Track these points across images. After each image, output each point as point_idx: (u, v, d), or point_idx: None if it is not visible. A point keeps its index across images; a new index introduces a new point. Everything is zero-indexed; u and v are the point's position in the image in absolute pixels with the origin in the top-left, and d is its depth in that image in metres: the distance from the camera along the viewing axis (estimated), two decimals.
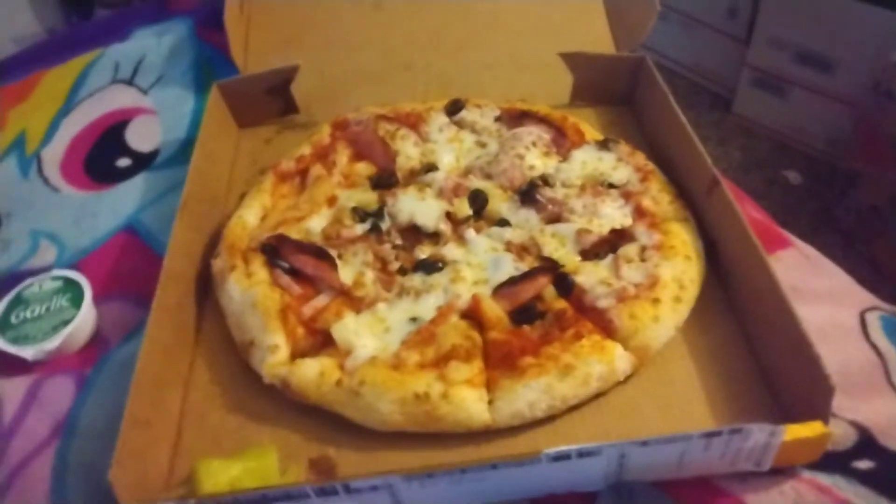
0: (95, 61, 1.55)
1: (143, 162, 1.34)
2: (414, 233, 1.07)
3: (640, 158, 1.13)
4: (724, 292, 0.99)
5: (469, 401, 0.84)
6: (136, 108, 1.45)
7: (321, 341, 0.94)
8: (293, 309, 0.94)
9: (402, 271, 1.01)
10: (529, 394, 0.85)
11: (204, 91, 1.27)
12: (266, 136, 1.33)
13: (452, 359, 0.88)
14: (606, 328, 0.91)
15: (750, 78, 2.91)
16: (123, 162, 1.34)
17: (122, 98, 1.47)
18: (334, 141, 1.21)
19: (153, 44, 1.56)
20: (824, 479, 0.79)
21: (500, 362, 0.88)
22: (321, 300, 0.97)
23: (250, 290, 0.96)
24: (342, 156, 1.18)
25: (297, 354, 0.93)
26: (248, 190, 1.15)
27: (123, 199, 1.26)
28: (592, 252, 1.01)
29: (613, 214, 1.05)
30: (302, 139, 1.24)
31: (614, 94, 1.34)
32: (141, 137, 1.38)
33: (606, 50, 1.37)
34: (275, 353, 0.91)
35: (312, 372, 0.88)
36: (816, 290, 1.02)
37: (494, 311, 0.93)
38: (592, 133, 1.22)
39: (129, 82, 1.50)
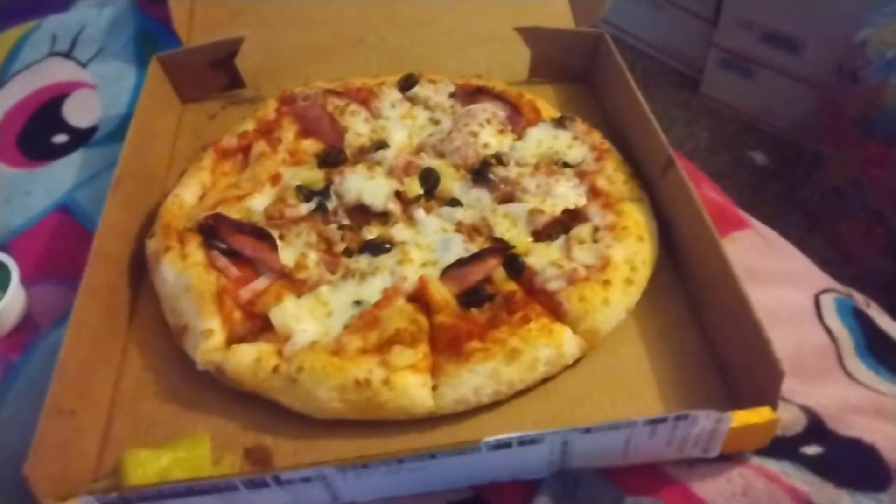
0: (31, 32, 1.47)
1: (80, 138, 1.27)
2: (362, 213, 1.03)
3: (597, 137, 1.10)
4: (677, 275, 0.97)
5: (412, 387, 0.81)
6: (74, 83, 1.38)
7: (259, 326, 0.90)
8: (230, 292, 0.90)
9: (348, 253, 0.97)
10: (475, 379, 0.81)
11: (146, 65, 1.21)
12: (210, 112, 1.27)
13: (396, 343, 0.84)
14: (556, 311, 0.88)
15: (718, 58, 2.89)
16: (60, 138, 1.28)
17: (60, 71, 1.40)
18: (280, 116, 1.15)
19: (93, 15, 1.48)
20: (773, 465, 0.77)
21: (447, 347, 0.85)
22: (260, 283, 0.92)
23: (185, 272, 0.92)
24: (288, 132, 1.13)
25: (233, 340, 0.88)
26: (188, 167, 1.10)
27: (58, 177, 1.19)
28: (545, 233, 0.98)
29: (567, 194, 1.02)
30: (248, 114, 1.18)
31: (573, 70, 1.30)
32: (79, 113, 1.32)
33: (566, 25, 1.32)
34: (209, 339, 0.86)
35: (248, 358, 0.84)
36: (772, 272, 1.00)
37: (442, 293, 0.90)
38: (549, 110, 1.18)
39: (68, 55, 1.42)
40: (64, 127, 1.29)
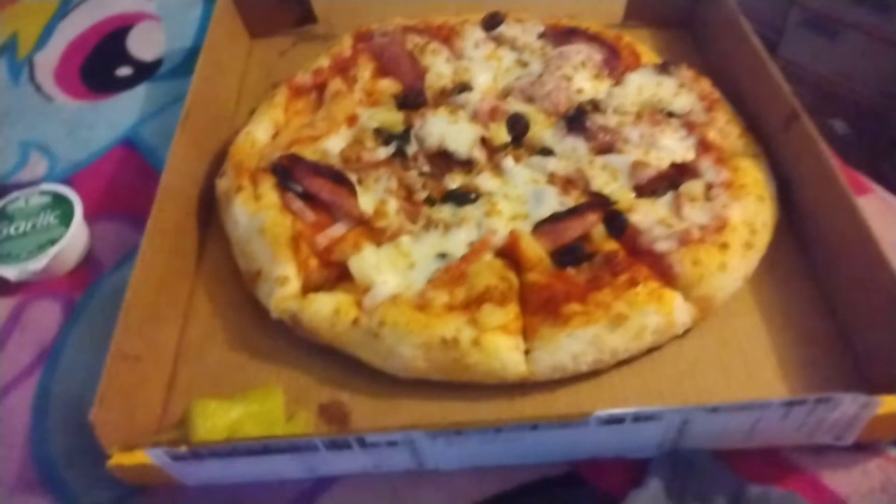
0: None
1: (145, 71, 1.21)
2: (444, 160, 0.95)
3: (706, 85, 0.99)
4: (798, 239, 0.87)
5: (503, 349, 0.74)
6: (138, 14, 1.32)
7: (336, 275, 0.83)
8: (306, 238, 0.83)
9: (430, 201, 0.89)
10: (574, 345, 0.73)
11: None
12: (281, 48, 1.20)
13: (485, 301, 0.76)
14: (665, 275, 0.79)
15: (799, 18, 2.69)
16: (124, 71, 1.22)
17: (124, 2, 1.34)
18: (356, 53, 1.07)
19: None
20: None
21: (540, 308, 0.77)
22: (338, 229, 0.85)
23: (258, 214, 0.85)
24: (364, 70, 1.05)
25: (309, 288, 0.82)
26: (259, 105, 1.02)
27: (123, 111, 1.14)
28: (649, 188, 0.88)
29: (674, 147, 0.92)
30: (320, 52, 1.10)
31: (672, 13, 1.18)
32: (143, 45, 1.26)
33: None
34: (284, 286, 0.80)
35: (326, 308, 0.78)
36: None
37: (535, 249, 0.81)
38: (650, 55, 1.07)
39: None
40: (128, 59, 1.23)
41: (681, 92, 0.98)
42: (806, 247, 0.85)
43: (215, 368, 0.80)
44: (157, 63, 1.22)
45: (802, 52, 2.75)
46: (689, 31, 1.18)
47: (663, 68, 1.01)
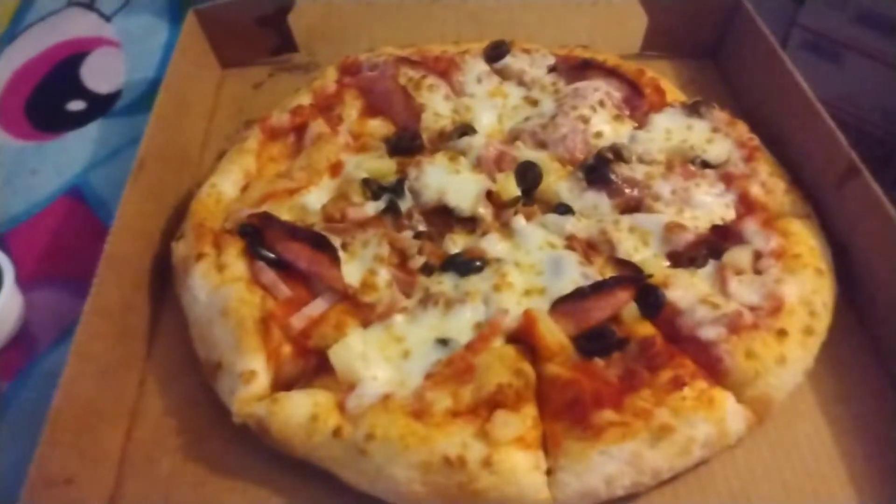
0: None
1: (99, 106, 1.07)
2: (444, 217, 0.81)
3: (743, 130, 0.87)
4: (860, 317, 0.74)
5: (521, 470, 0.60)
6: (96, 39, 1.18)
7: (315, 365, 0.69)
8: (278, 319, 0.69)
9: (427, 269, 0.76)
10: (608, 464, 0.60)
11: (181, 21, 1.00)
12: (256, 79, 1.06)
13: (498, 405, 0.63)
14: (713, 370, 0.65)
15: (801, 40, 2.60)
16: (76, 105, 1.08)
17: (80, 25, 1.19)
18: (342, 89, 0.93)
19: None
20: None
21: (565, 412, 0.63)
22: (317, 307, 0.71)
23: (221, 289, 0.71)
24: (351, 109, 0.91)
25: (281, 383, 0.68)
26: (229, 149, 0.88)
27: (71, 153, 1.00)
28: (686, 256, 0.75)
29: (712, 204, 0.79)
30: (301, 84, 0.97)
31: (696, 43, 1.06)
32: (99, 75, 1.11)
33: None
34: (249, 383, 0.66)
35: (301, 413, 0.63)
36: None
37: (555, 335, 0.67)
38: (675, 93, 0.95)
39: (90, 5, 1.22)
40: (81, 91, 1.09)
41: (715, 137, 0.86)
42: (870, 326, 0.73)
43: (166, 483, 0.66)
44: (115, 96, 1.08)
45: (805, 76, 2.66)
46: (715, 63, 1.06)
47: (694, 109, 0.89)
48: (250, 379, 0.66)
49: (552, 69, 0.97)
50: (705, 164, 0.84)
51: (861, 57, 2.63)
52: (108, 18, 1.18)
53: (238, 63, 1.07)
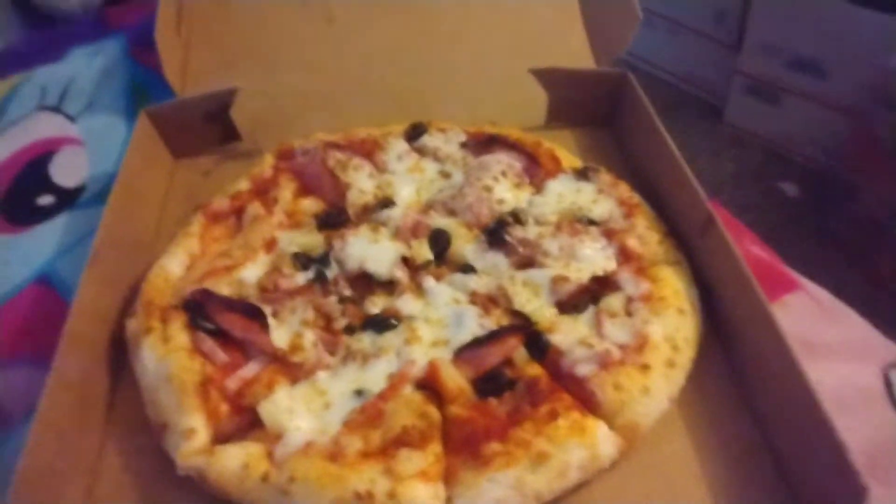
0: (21, 85, 1.40)
1: (66, 199, 1.18)
2: (365, 281, 0.93)
3: (624, 189, 0.99)
4: (724, 350, 0.85)
5: (421, 500, 0.70)
6: (62, 138, 1.30)
7: (249, 421, 0.79)
8: (216, 382, 0.79)
9: (350, 330, 0.87)
10: (495, 490, 0.70)
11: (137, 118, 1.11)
12: (205, 168, 1.18)
13: (403, 445, 0.73)
14: (587, 402, 0.76)
15: (741, 85, 2.77)
16: (45, 199, 1.19)
17: (48, 127, 1.32)
18: (277, 174, 1.06)
19: (84, 65, 1.41)
20: None
21: (462, 447, 0.73)
22: (250, 369, 0.82)
23: (166, 358, 0.81)
24: (285, 191, 1.03)
25: (220, 438, 0.78)
26: (176, 233, 1.00)
27: (40, 244, 1.11)
28: (570, 304, 0.86)
29: (594, 257, 0.91)
30: (244, 170, 1.09)
31: (594, 114, 1.20)
32: (66, 171, 1.23)
33: (585, 64, 1.22)
34: (190, 439, 0.75)
35: (235, 463, 0.73)
36: (830, 344, 0.88)
37: (455, 380, 0.78)
38: (570, 160, 1.08)
39: (57, 109, 1.35)
40: (50, 187, 1.21)
41: (599, 198, 0.98)
42: (731, 357, 0.84)
43: None
44: (80, 190, 1.20)
45: (747, 117, 2.82)
46: (610, 131, 1.19)
47: (582, 174, 1.02)
48: (191, 435, 0.76)
49: (463, 145, 1.10)
50: (591, 222, 0.96)
51: (796, 98, 2.82)
52: (72, 119, 1.31)
53: (189, 153, 1.19)
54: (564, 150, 1.09)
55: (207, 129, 1.18)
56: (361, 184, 1.04)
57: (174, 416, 0.77)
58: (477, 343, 0.81)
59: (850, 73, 2.43)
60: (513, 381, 0.79)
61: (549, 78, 1.16)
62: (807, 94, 2.66)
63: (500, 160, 1.04)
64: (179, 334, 0.84)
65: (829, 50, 2.49)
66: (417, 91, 1.22)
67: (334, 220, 1.00)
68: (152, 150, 1.14)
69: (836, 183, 2.52)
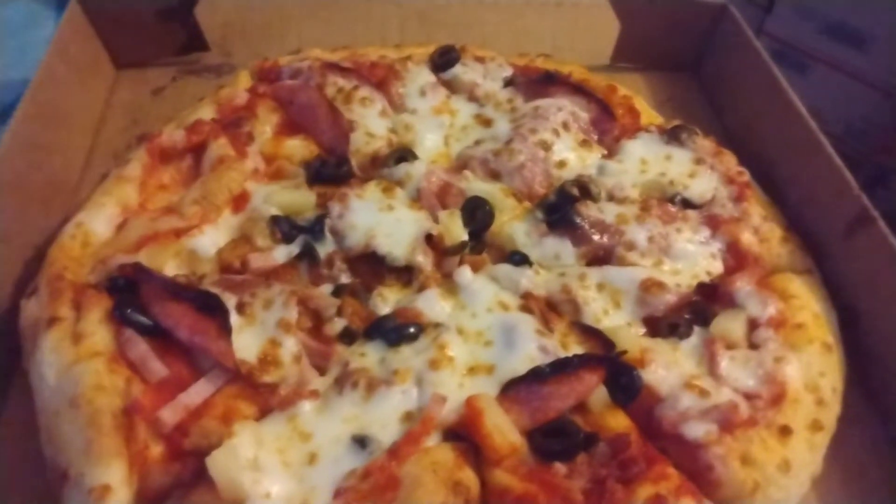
0: None
1: None
2: (372, 265, 0.66)
3: (731, 162, 0.74)
4: (871, 400, 0.61)
5: None
6: None
7: (193, 469, 0.53)
8: (145, 411, 0.53)
9: (349, 336, 0.61)
10: None
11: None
12: (157, 83, 0.91)
13: None
14: (702, 478, 0.52)
15: (767, 49, 2.53)
16: None
17: None
18: (254, 100, 0.78)
19: None
20: None
21: None
22: (198, 392, 0.55)
23: (74, 368, 0.55)
24: (265, 125, 0.76)
25: (148, 497, 0.52)
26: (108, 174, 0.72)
27: None
28: (667, 322, 0.61)
29: (696, 254, 0.66)
30: (210, 91, 0.80)
31: (675, 54, 0.94)
32: None
33: None
34: (103, 501, 0.49)
35: None
36: None
37: (505, 433, 0.53)
38: (650, 114, 0.81)
39: None
40: None
41: (698, 171, 0.73)
42: (884, 410, 0.60)
43: None
44: None
45: None
46: (695, 78, 0.93)
47: (673, 135, 0.76)
48: (103, 496, 0.49)
49: (509, 82, 0.84)
50: (687, 204, 0.70)
51: (827, 68, 2.55)
52: None
53: (136, 63, 0.91)
54: (642, 99, 0.82)
55: (163, 30, 0.90)
56: (371, 124, 0.77)
57: (79, 463, 0.52)
58: (537, 376, 0.56)
59: (894, 45, 2.19)
60: (589, 437, 0.53)
61: (626, 5, 0.88)
62: (839, 66, 2.43)
63: (562, 107, 0.78)
64: (98, 330, 0.58)
65: (873, 18, 2.24)
66: (447, 7, 0.95)
67: (331, 172, 0.73)
68: (85, 55, 0.85)
69: (860, 166, 2.30)
